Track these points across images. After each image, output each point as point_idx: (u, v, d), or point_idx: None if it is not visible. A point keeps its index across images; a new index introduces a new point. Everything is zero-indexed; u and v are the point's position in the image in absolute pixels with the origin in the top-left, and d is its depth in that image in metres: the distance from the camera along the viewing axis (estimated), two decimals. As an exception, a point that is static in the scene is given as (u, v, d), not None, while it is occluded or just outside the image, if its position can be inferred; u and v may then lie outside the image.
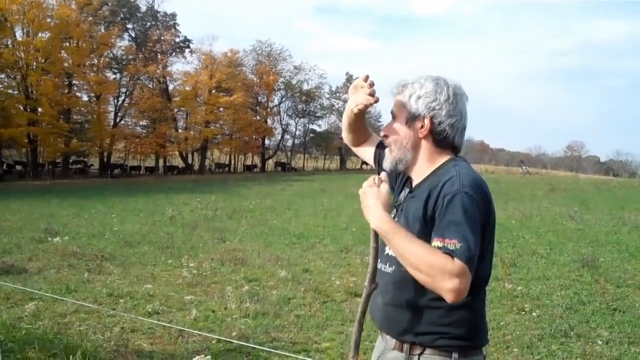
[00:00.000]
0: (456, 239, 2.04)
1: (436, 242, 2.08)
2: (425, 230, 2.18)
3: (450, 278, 2.00)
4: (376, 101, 2.36)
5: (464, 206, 2.11)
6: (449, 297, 2.03)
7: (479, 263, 2.11)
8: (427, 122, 2.32)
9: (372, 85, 2.35)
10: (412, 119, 2.35)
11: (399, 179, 2.55)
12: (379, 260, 2.42)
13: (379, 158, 2.60)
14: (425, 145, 2.37)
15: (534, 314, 7.54)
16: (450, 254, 2.02)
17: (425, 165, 2.37)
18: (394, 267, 2.34)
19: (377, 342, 2.56)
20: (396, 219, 2.37)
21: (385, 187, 2.27)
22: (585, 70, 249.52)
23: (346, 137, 2.81)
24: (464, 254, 2.02)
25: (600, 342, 6.51)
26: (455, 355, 2.25)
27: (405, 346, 2.30)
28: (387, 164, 2.45)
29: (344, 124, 2.73)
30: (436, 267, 2.02)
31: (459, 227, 2.07)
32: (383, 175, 2.32)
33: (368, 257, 2.37)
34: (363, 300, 2.35)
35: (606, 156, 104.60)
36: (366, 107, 2.40)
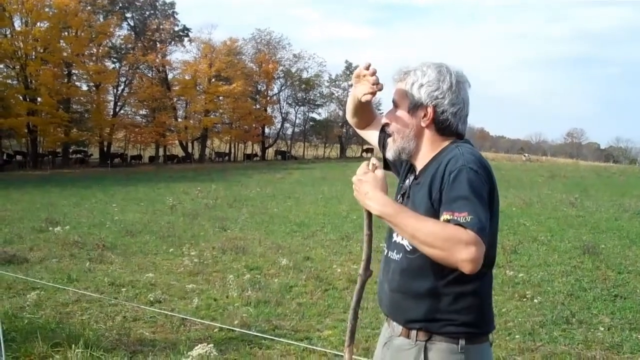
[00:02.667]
0: (466, 211, 2.02)
1: (446, 216, 2.05)
2: (432, 213, 2.15)
3: (467, 247, 1.97)
4: (380, 89, 2.33)
5: (470, 181, 2.09)
6: (467, 267, 2.00)
7: None
8: (430, 110, 2.30)
9: (374, 73, 2.32)
10: (414, 107, 2.33)
11: (404, 165, 2.53)
12: (387, 247, 2.42)
13: (383, 141, 2.59)
14: (428, 134, 2.35)
15: (535, 300, 7.55)
16: (461, 225, 2.00)
17: (428, 153, 2.35)
18: (401, 254, 2.32)
19: (382, 328, 2.55)
20: None
21: (380, 172, 2.24)
22: (586, 57, 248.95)
23: (351, 120, 2.79)
24: (475, 225, 2.00)
25: (601, 329, 6.52)
26: (462, 342, 2.23)
27: (413, 333, 2.29)
28: (390, 153, 2.43)
29: (349, 109, 2.71)
30: (451, 239, 1.99)
31: (467, 201, 2.05)
32: (375, 160, 2.28)
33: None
34: (358, 289, 2.34)
35: (606, 143, 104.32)
36: (372, 95, 2.38)
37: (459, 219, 2.02)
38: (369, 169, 2.24)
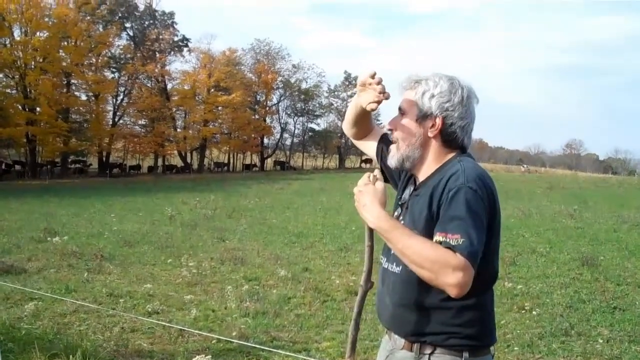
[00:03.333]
0: (459, 234, 2.02)
1: (438, 237, 2.06)
2: (431, 227, 2.15)
3: (454, 272, 1.98)
4: (387, 98, 2.33)
5: (468, 201, 2.09)
6: (452, 292, 2.01)
7: (486, 260, 2.10)
8: (438, 121, 2.30)
9: (380, 82, 2.31)
10: (423, 117, 2.32)
11: (403, 175, 2.53)
12: (386, 260, 2.41)
13: (381, 153, 2.58)
14: (433, 145, 2.34)
15: (534, 312, 7.54)
16: (452, 248, 2.01)
17: (431, 164, 2.35)
18: (401, 266, 2.30)
19: (382, 341, 2.53)
20: (402, 218, 2.37)
21: (380, 184, 2.25)
22: (584, 68, 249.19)
23: (349, 130, 2.78)
24: (466, 249, 2.00)
25: (600, 341, 6.51)
26: (465, 354, 2.23)
27: (415, 346, 2.28)
28: (393, 161, 2.41)
29: (349, 118, 2.69)
30: (438, 262, 2.00)
31: (461, 222, 2.05)
32: (377, 172, 2.30)
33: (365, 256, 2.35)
34: (359, 300, 2.34)
35: (605, 154, 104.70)
36: (378, 104, 2.37)
37: (450, 241, 2.02)
38: (369, 180, 2.24)
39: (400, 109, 2.40)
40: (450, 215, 2.09)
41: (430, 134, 2.33)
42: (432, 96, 2.30)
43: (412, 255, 2.06)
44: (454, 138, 2.32)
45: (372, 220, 2.18)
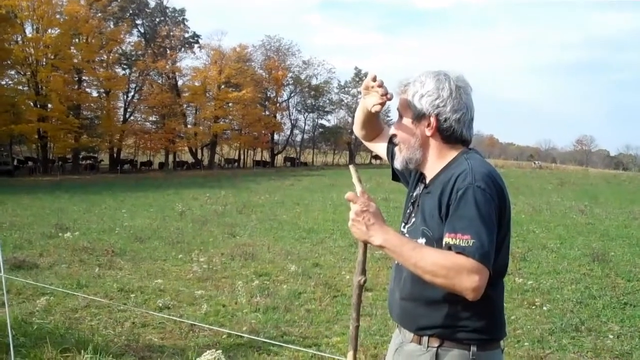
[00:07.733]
0: (469, 234, 2.03)
1: (447, 239, 2.06)
2: (441, 226, 2.16)
3: (469, 276, 1.99)
4: (390, 99, 2.34)
5: (477, 201, 2.08)
6: (469, 296, 2.02)
7: (496, 255, 2.09)
8: (432, 120, 2.30)
9: (382, 84, 2.33)
10: (417, 118, 2.33)
11: (414, 173, 2.53)
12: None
13: (391, 153, 2.59)
14: (433, 143, 2.35)
15: (544, 308, 7.53)
16: (462, 251, 2.01)
17: (436, 162, 2.35)
18: None
19: (393, 335, 2.54)
20: (413, 215, 2.38)
21: (374, 203, 2.22)
22: (595, 64, 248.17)
23: (359, 132, 2.80)
24: (477, 250, 2.01)
25: (611, 337, 6.50)
26: (473, 348, 2.23)
27: (424, 339, 2.28)
28: (397, 162, 2.43)
29: (358, 120, 2.73)
30: (453, 268, 2.01)
31: (471, 223, 2.05)
32: (351, 167, 2.31)
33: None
34: (355, 294, 2.34)
35: (616, 150, 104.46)
36: (382, 105, 2.39)
37: (460, 242, 2.03)
38: (367, 200, 2.21)
39: (398, 112, 2.42)
40: (460, 215, 2.09)
41: (428, 133, 2.33)
42: (422, 96, 2.30)
43: (426, 266, 2.06)
44: (452, 132, 2.32)
45: (383, 238, 2.14)
